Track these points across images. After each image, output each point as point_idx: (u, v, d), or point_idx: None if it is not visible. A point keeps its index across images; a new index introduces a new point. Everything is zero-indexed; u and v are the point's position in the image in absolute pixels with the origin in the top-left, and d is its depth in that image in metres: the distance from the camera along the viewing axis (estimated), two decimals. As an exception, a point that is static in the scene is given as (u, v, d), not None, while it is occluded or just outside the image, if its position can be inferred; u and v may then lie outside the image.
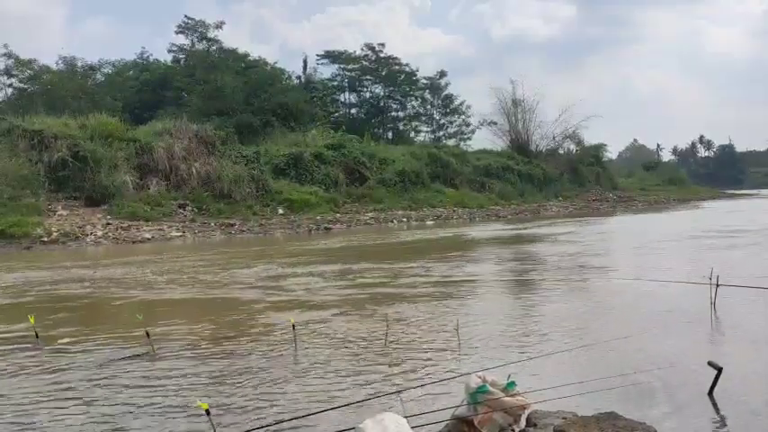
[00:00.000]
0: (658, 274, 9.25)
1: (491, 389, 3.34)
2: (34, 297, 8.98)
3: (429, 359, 5.18)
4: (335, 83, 49.16)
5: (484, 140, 49.42)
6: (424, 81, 51.32)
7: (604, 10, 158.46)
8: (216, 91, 33.88)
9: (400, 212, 27.55)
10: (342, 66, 48.55)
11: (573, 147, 49.09)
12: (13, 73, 35.90)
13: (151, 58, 42.67)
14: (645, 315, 6.73)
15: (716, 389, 3.98)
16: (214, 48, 41.48)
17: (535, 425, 3.34)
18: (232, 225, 21.48)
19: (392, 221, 25.38)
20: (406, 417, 2.99)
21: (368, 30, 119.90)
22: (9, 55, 35.14)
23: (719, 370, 3.96)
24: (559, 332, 6.00)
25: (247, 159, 26.54)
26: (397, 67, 49.56)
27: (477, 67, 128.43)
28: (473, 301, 8.13)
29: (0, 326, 7.05)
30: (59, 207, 20.47)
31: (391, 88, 49.74)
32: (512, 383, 3.43)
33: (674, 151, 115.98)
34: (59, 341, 6.10)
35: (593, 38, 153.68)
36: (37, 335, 5.77)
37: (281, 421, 3.60)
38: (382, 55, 48.86)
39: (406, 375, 4.75)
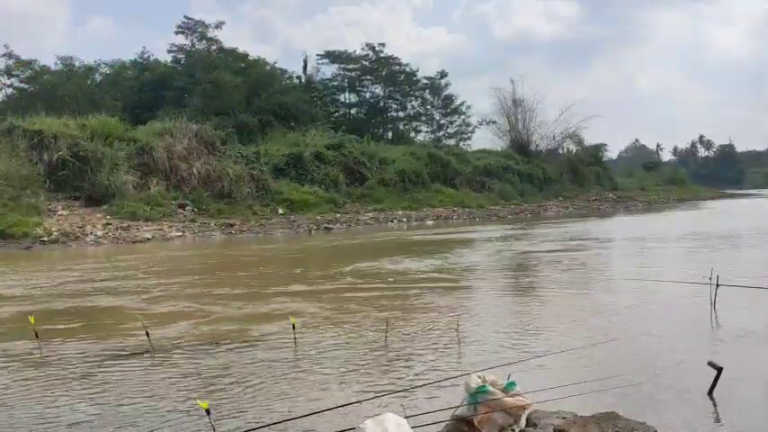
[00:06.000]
0: (658, 275, 9.26)
1: (491, 389, 3.34)
2: None
3: (429, 359, 5.18)
4: (336, 83, 49.10)
5: (484, 140, 49.46)
6: (425, 81, 51.27)
7: (607, 9, 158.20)
8: (216, 91, 33.84)
9: (400, 212, 27.54)
10: (342, 66, 48.47)
11: (573, 147, 49.06)
12: (14, 73, 35.91)
13: (151, 59, 42.64)
14: (645, 315, 6.73)
15: (716, 389, 3.98)
16: (214, 48, 41.43)
17: (535, 425, 3.34)
18: (232, 225, 21.45)
19: (392, 221, 25.37)
20: (406, 417, 2.99)
21: (370, 29, 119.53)
22: (9, 55, 35.17)
23: (719, 370, 3.97)
24: (559, 332, 6.00)
25: (247, 159, 26.51)
26: (397, 67, 49.44)
27: (480, 67, 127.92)
28: (473, 301, 8.13)
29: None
30: (59, 207, 20.44)
31: (391, 88, 49.64)
32: (512, 383, 3.43)
33: (675, 151, 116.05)
34: (58, 341, 6.11)
35: (596, 37, 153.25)
36: (37, 335, 5.76)
37: (281, 421, 3.60)
38: (382, 55, 48.74)
39: (406, 375, 4.76)
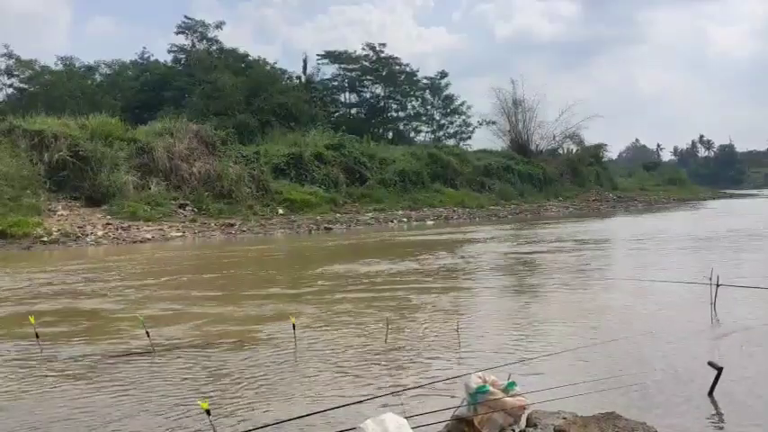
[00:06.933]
0: (658, 274, 9.26)
1: (491, 389, 3.34)
2: None
3: (429, 359, 5.18)
4: (336, 83, 49.12)
5: (484, 140, 49.29)
6: (425, 81, 51.32)
7: (607, 9, 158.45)
8: (216, 91, 33.87)
9: (400, 212, 27.54)
10: (342, 66, 48.48)
11: (573, 147, 49.06)
12: (14, 73, 35.95)
13: (152, 59, 42.71)
14: (645, 315, 6.73)
15: (716, 389, 3.98)
16: (214, 48, 41.48)
17: (535, 425, 3.34)
18: (232, 225, 21.46)
19: (392, 222, 25.38)
20: (406, 417, 2.99)
21: (371, 29, 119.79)
22: (10, 55, 35.23)
23: (719, 370, 3.97)
24: (559, 332, 6.00)
25: (247, 159, 26.52)
26: (397, 67, 49.45)
27: (480, 67, 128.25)
28: (473, 302, 8.14)
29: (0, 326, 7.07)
30: (59, 207, 20.45)
31: (391, 88, 49.65)
32: (512, 383, 3.43)
33: (675, 151, 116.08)
34: (58, 342, 6.11)
35: (596, 37, 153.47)
36: (37, 335, 5.77)
37: (282, 421, 3.60)
38: (383, 55, 48.76)
39: (406, 375, 4.76)
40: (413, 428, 2.95)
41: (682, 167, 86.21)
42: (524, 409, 3.40)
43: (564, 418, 3.33)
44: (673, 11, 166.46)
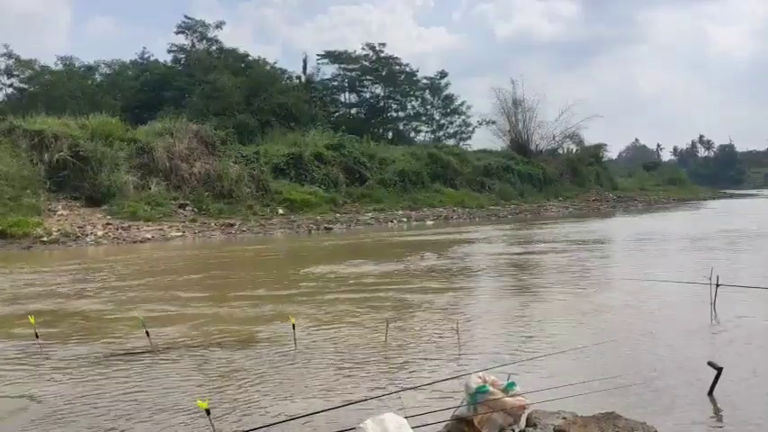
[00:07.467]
0: (658, 274, 9.26)
1: (491, 389, 3.34)
2: None
3: (429, 359, 5.18)
4: (336, 83, 49.11)
5: (484, 140, 49.26)
6: (425, 81, 51.30)
7: (607, 9, 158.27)
8: (215, 91, 33.85)
9: (400, 212, 27.54)
10: (342, 66, 48.47)
11: (573, 147, 49.05)
12: (14, 73, 35.95)
13: (151, 59, 42.69)
14: (645, 315, 6.73)
15: (716, 389, 3.98)
16: (214, 48, 41.47)
17: (535, 425, 3.34)
18: (232, 225, 21.46)
19: (392, 222, 25.37)
20: (406, 417, 3.00)
21: (371, 29, 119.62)
22: (9, 55, 35.22)
23: (719, 370, 3.97)
24: (559, 332, 6.00)
25: (247, 159, 26.52)
26: (397, 67, 49.43)
27: (480, 67, 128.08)
28: (472, 302, 8.14)
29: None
30: (60, 207, 20.45)
31: (391, 88, 49.64)
32: (512, 383, 3.43)
33: (675, 151, 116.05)
34: (58, 342, 6.11)
35: (596, 37, 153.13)
36: (37, 335, 5.77)
37: (281, 421, 3.61)
38: (383, 55, 48.73)
39: (406, 375, 4.76)
40: (413, 428, 2.95)
41: (682, 167, 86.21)
42: (524, 408, 3.40)
43: (564, 418, 3.33)
44: (673, 11, 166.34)
